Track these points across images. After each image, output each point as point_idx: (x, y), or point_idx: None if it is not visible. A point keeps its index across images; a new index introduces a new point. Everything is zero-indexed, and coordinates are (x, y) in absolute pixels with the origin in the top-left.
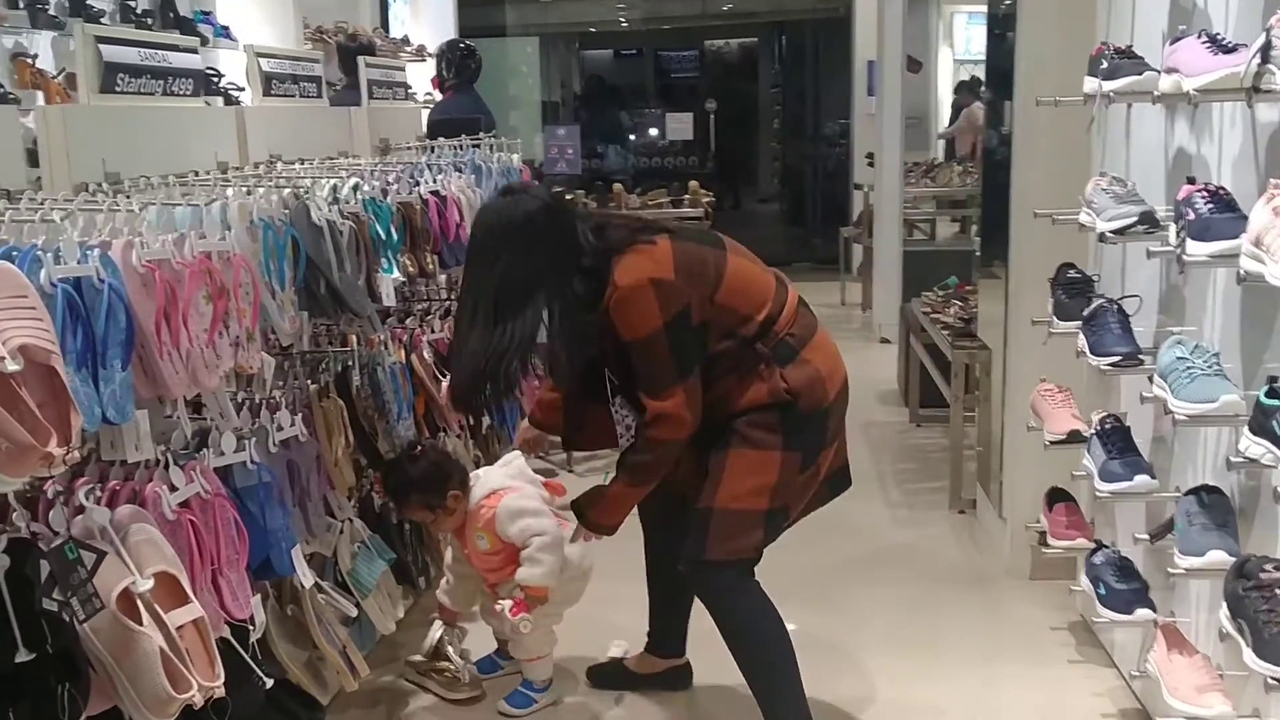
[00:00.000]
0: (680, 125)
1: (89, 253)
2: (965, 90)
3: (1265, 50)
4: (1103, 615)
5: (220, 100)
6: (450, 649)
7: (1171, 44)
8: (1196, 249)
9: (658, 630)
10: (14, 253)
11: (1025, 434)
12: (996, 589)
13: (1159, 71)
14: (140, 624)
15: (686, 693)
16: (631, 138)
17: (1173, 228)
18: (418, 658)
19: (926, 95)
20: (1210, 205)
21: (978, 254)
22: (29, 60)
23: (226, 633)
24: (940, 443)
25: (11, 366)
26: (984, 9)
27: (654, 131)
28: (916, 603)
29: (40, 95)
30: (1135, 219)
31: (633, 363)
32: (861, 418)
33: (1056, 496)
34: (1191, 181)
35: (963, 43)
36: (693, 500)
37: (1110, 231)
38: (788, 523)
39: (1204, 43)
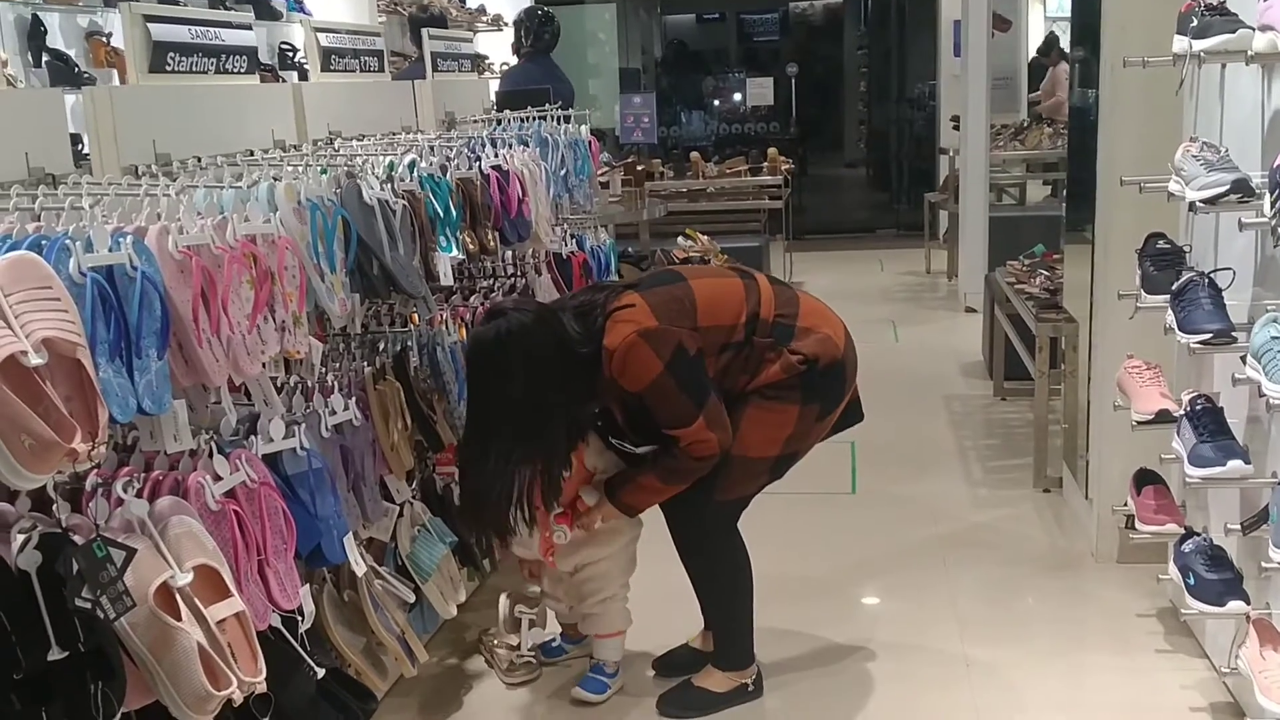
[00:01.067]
0: (761, 90)
1: (121, 239)
2: (1048, 50)
3: None
4: (1192, 607)
5: (295, 75)
6: (524, 623)
7: (1263, 0)
8: None
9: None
10: (43, 242)
11: (1112, 412)
12: (1082, 573)
13: (1253, 29)
14: (179, 619)
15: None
16: (716, 104)
17: (1268, 197)
18: (492, 630)
19: (1015, 55)
20: None
21: (1064, 221)
22: (103, 39)
23: (277, 622)
24: (1025, 417)
25: (35, 360)
26: None
27: (736, 97)
28: (999, 586)
29: (115, 74)
30: (1228, 187)
31: (651, 408)
32: (944, 390)
33: (1145, 479)
34: None
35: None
36: None
37: (1200, 201)
38: (793, 463)
39: None
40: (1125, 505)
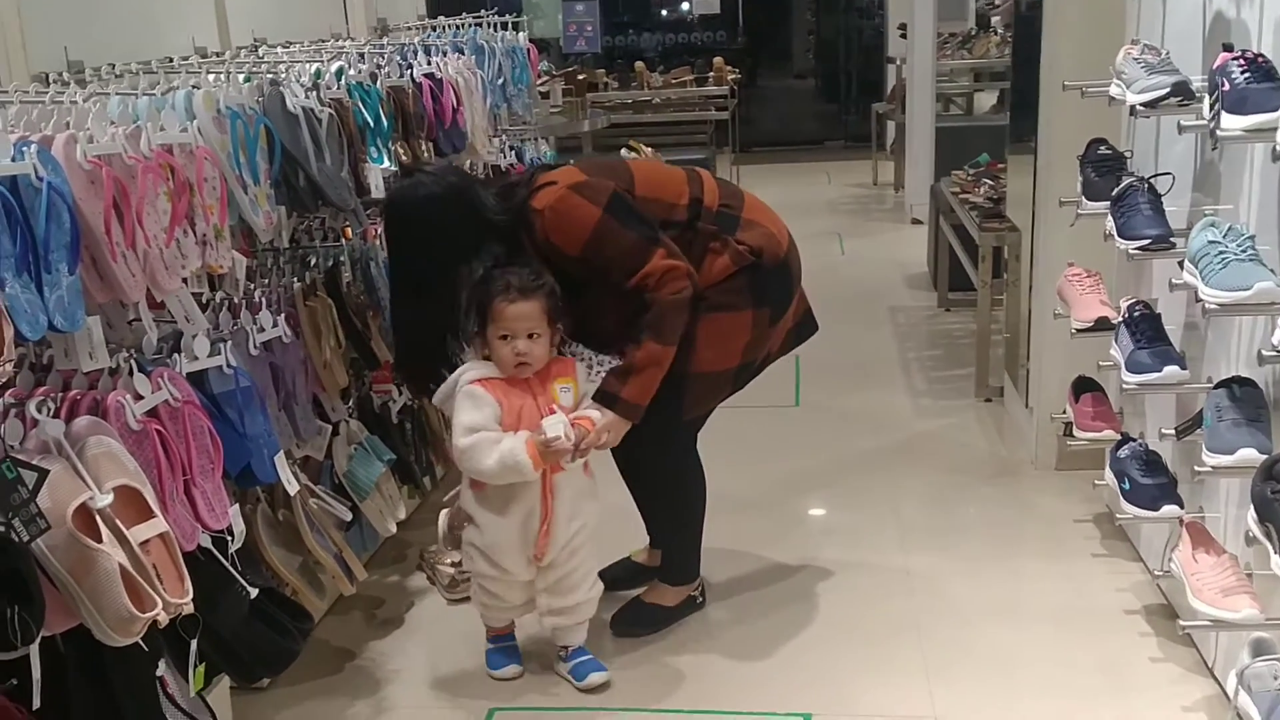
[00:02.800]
0: None
1: (25, 149)
2: None
3: None
4: (1126, 511)
5: None
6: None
7: None
8: (1232, 122)
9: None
10: None
11: (1053, 320)
12: (1021, 480)
13: None
14: (99, 541)
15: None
16: (661, 13)
17: (1207, 99)
18: (433, 547)
19: None
20: (1247, 75)
21: (1008, 130)
22: None
23: (207, 542)
24: (968, 328)
25: None
26: None
27: (684, 6)
28: (940, 495)
29: None
30: (1168, 90)
31: (600, 266)
32: (889, 302)
33: (1083, 386)
34: (1228, 49)
35: None
36: None
37: (1140, 104)
38: (753, 375)
39: None
40: (1064, 413)
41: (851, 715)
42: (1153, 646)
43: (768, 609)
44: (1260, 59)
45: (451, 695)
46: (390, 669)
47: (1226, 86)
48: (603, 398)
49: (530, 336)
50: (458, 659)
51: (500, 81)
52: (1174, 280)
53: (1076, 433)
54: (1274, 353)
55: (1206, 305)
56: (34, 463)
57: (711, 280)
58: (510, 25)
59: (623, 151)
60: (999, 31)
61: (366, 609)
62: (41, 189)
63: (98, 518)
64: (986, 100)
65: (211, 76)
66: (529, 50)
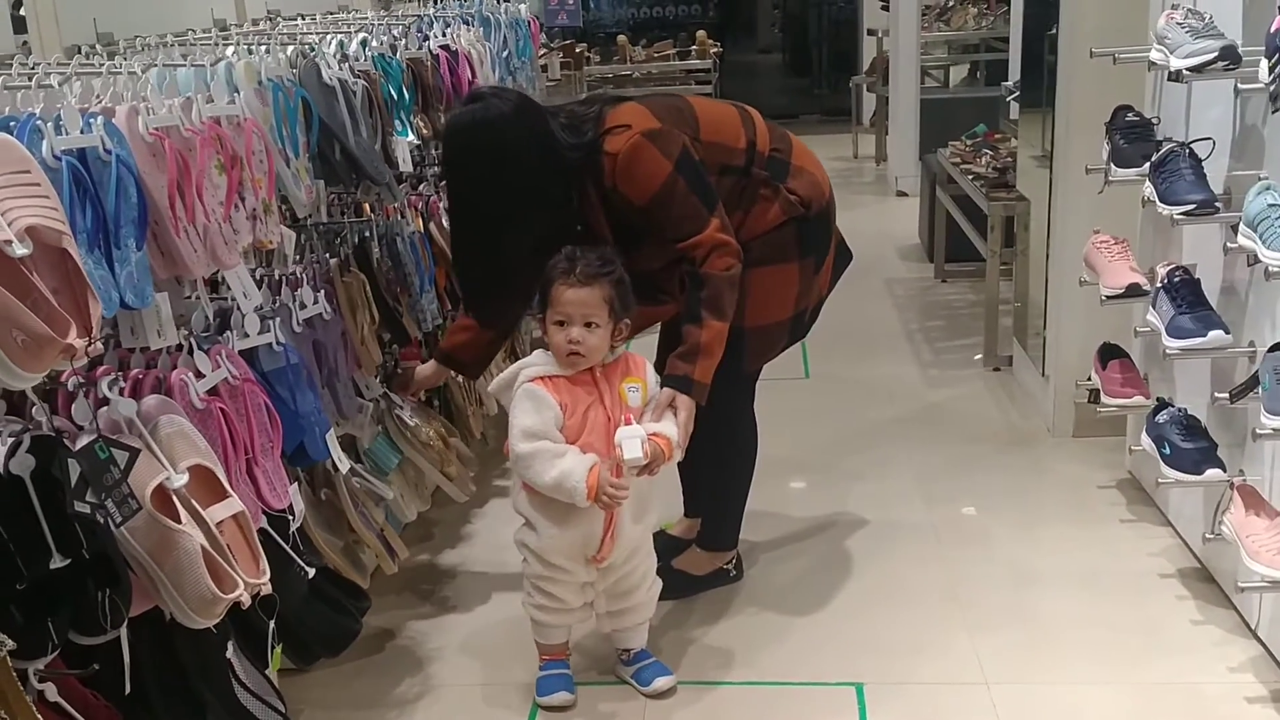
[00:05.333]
0: None
1: (92, 120)
2: None
3: None
4: (1168, 476)
5: None
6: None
7: None
8: None
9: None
10: (11, 123)
11: (1071, 289)
12: (1039, 448)
13: None
14: (179, 522)
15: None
16: None
17: (1263, 63)
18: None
19: None
20: None
21: (1010, 99)
22: None
23: (265, 524)
24: (967, 298)
25: (20, 250)
26: None
27: None
28: (958, 464)
29: None
30: (1216, 54)
31: (658, 220)
32: (884, 274)
33: (1110, 353)
34: None
35: None
36: None
37: (1187, 69)
38: (807, 323)
39: None
40: (1089, 380)
41: (902, 683)
42: (1192, 609)
43: (803, 577)
44: None
45: (496, 670)
46: (432, 647)
47: None
48: (676, 383)
49: (588, 325)
50: (497, 637)
51: (505, 54)
52: (1229, 244)
53: (1105, 400)
54: None
55: (1270, 268)
56: (124, 442)
57: (761, 230)
58: None
59: None
60: (976, 3)
61: (400, 589)
62: (111, 162)
63: (174, 498)
64: (958, 73)
65: (243, 47)
66: (530, 22)
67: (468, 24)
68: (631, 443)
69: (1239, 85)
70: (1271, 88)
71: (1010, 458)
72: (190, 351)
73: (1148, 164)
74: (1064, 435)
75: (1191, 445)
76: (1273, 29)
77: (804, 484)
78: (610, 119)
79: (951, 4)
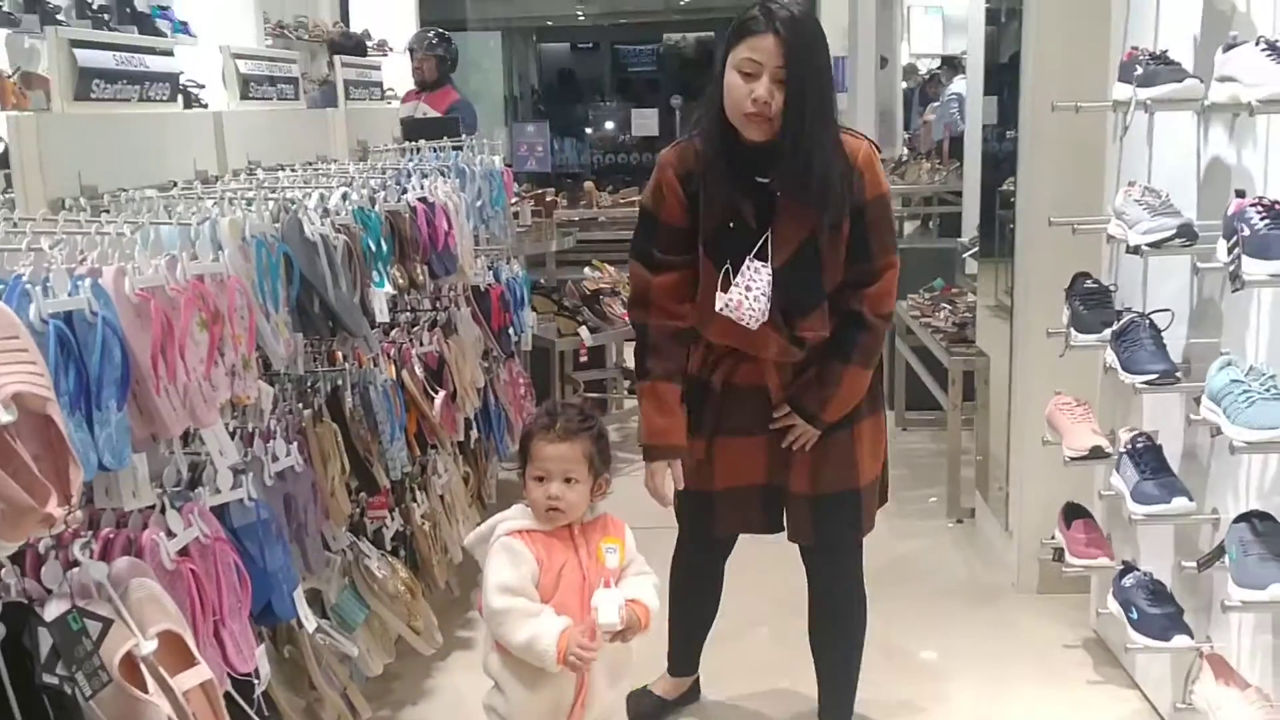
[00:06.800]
0: (646, 121)
1: (79, 283)
2: (937, 83)
3: None
4: (1136, 641)
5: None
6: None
7: (1224, 51)
8: (1255, 267)
9: (686, 653)
10: (0, 285)
11: (1034, 446)
12: (1004, 604)
13: (1200, 79)
14: (146, 692)
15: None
16: (589, 132)
17: (1221, 243)
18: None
19: (892, 91)
20: (1267, 221)
21: (966, 256)
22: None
23: (229, 687)
24: (929, 447)
25: (5, 418)
26: (940, 2)
27: (610, 125)
28: (921, 618)
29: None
30: (1173, 232)
31: (865, 226)
32: None
33: (1074, 513)
34: (1241, 195)
35: (919, 37)
36: (805, 488)
37: (1146, 244)
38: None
39: (1265, 50)
40: (1053, 538)
41: None
42: None
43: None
44: (1278, 205)
45: None
46: None
47: (1246, 232)
48: (802, 411)
49: (567, 481)
50: None
51: (479, 203)
52: (1192, 415)
53: (1070, 559)
54: None
55: (1234, 443)
56: (95, 612)
57: (873, 309)
58: (487, 148)
59: (587, 270)
60: (928, 158)
61: None
62: (96, 324)
63: (142, 666)
64: (910, 225)
65: (211, 204)
66: (504, 172)
67: (444, 175)
68: (608, 607)
69: (1197, 263)
70: (1231, 268)
71: (977, 613)
72: (163, 510)
73: (1108, 330)
74: (1029, 591)
75: (1159, 611)
76: (1229, 212)
77: (759, 639)
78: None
79: (905, 158)
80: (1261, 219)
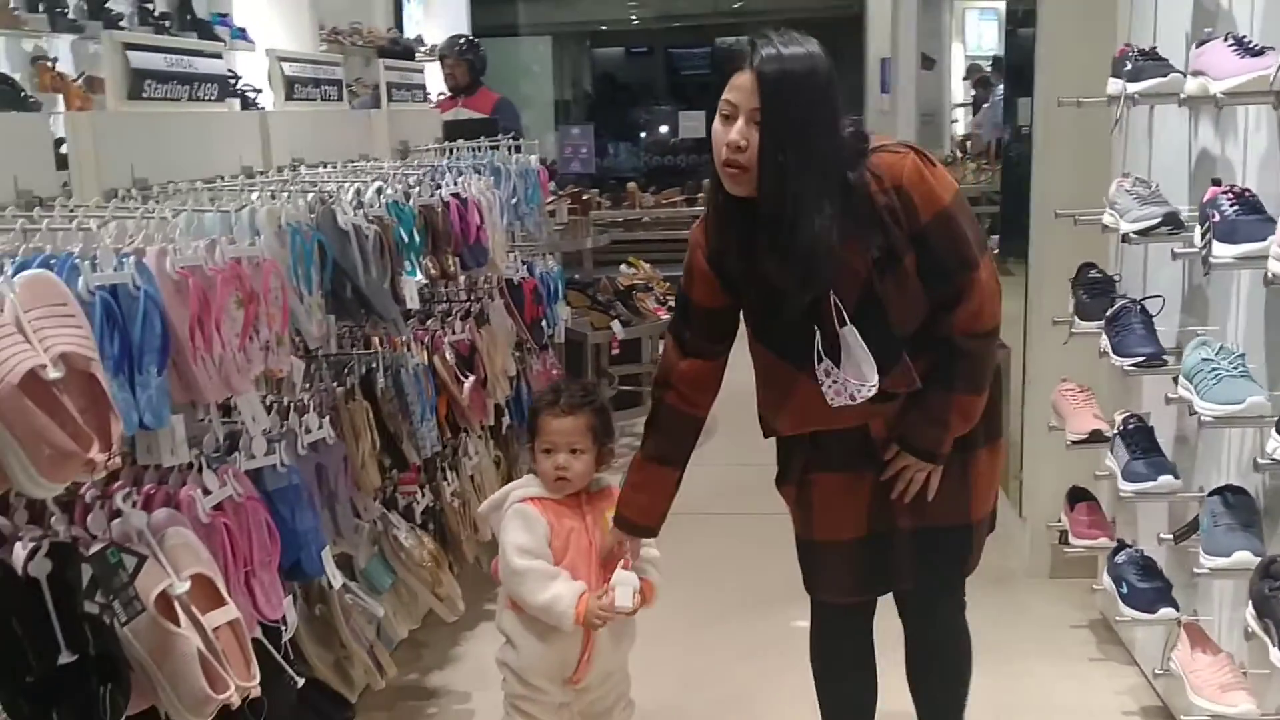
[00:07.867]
0: (694, 124)
1: (124, 260)
2: (986, 84)
3: None
4: (1125, 614)
5: (237, 103)
6: None
7: (1198, 46)
8: (1223, 251)
9: None
10: (52, 260)
11: (1045, 433)
12: (1016, 588)
13: (1183, 74)
14: (179, 626)
15: None
16: (643, 135)
17: (1198, 229)
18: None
19: (940, 92)
20: (1236, 207)
21: (994, 252)
22: (49, 64)
23: (259, 633)
24: None
25: (54, 374)
26: (996, 5)
27: (664, 129)
28: None
29: (60, 99)
30: (1159, 220)
31: (932, 244)
32: None
33: (1078, 496)
34: (1217, 183)
35: (974, 38)
36: (909, 521)
37: (1134, 232)
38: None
39: (1231, 45)
40: (1059, 522)
41: None
42: None
43: None
44: (1247, 193)
45: None
46: None
47: (1217, 218)
48: (913, 449)
49: (573, 452)
50: None
51: (514, 201)
52: (1169, 395)
53: (1073, 541)
54: (1268, 461)
55: (1202, 418)
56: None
57: (972, 329)
58: (522, 149)
59: (623, 267)
60: (975, 159)
61: (385, 707)
62: (138, 297)
63: (176, 604)
64: None
65: (267, 194)
66: (540, 171)
67: (479, 173)
68: (624, 589)
69: (1174, 250)
70: (1203, 252)
71: (986, 597)
72: (200, 470)
73: None
74: (1041, 576)
75: (1147, 585)
76: (1205, 198)
77: (769, 628)
78: (874, 139)
79: (951, 159)
80: (1231, 205)
